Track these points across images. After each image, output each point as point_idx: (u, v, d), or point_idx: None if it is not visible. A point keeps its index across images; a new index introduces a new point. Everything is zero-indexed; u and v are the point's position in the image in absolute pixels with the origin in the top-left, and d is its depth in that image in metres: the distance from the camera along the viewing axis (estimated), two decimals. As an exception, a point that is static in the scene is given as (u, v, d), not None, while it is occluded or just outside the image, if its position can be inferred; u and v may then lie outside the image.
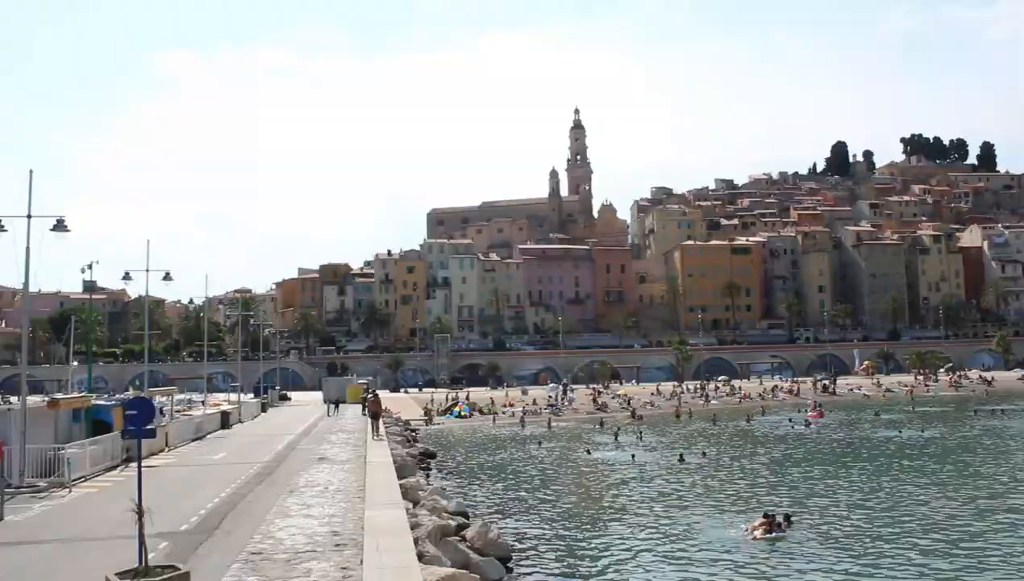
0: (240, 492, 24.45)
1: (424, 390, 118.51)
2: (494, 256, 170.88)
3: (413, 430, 66.22)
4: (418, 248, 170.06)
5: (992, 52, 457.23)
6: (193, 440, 43.27)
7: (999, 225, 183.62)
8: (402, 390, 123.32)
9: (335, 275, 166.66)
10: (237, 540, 17.50)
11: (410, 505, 23.86)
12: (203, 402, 65.21)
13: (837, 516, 29.22)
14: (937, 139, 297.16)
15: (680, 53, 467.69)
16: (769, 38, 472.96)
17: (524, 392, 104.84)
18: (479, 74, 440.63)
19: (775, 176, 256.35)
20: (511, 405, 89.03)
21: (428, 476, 39.71)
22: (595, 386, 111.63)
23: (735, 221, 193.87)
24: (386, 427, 48.83)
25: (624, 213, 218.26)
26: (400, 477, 28.14)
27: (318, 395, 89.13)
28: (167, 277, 46.31)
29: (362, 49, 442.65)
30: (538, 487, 38.86)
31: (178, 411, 51.66)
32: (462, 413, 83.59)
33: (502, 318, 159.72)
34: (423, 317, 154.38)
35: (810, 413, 74.37)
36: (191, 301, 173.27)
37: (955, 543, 24.62)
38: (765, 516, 26.60)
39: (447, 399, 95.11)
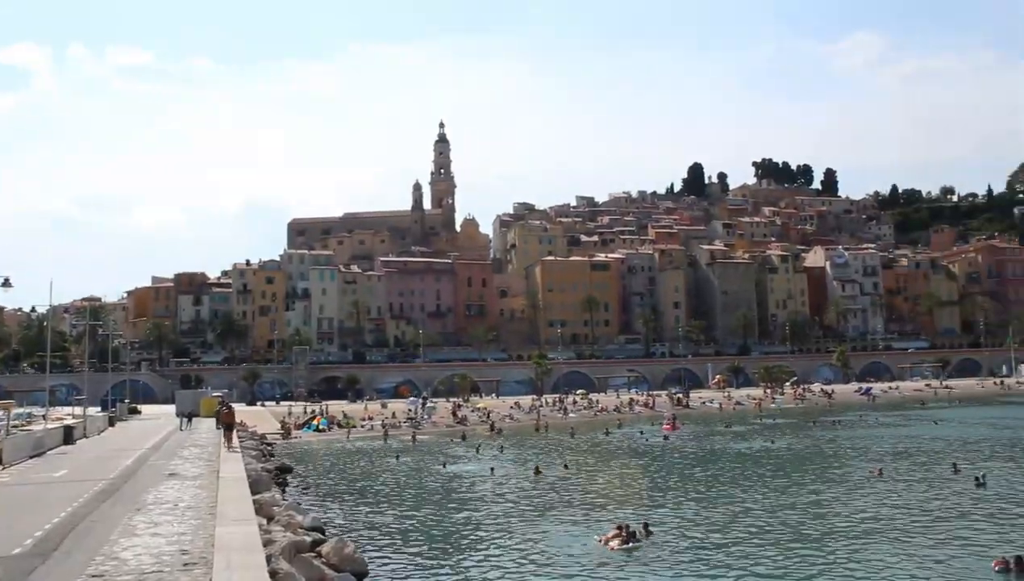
0: (82, 511, 23.26)
1: (282, 403, 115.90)
2: (355, 268, 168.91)
3: (269, 444, 64.74)
4: (278, 258, 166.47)
5: (837, 84, 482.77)
6: (32, 457, 40.91)
7: (840, 247, 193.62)
8: (259, 403, 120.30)
9: (191, 284, 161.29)
10: (76, 563, 16.61)
11: (264, 521, 23.29)
12: (44, 416, 61.85)
13: (692, 525, 30.13)
14: (786, 164, 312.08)
15: (548, 72, 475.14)
16: (634, 61, 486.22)
17: (384, 406, 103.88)
18: (344, 84, 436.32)
19: (635, 195, 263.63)
20: (371, 419, 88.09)
21: (284, 491, 38.84)
22: (455, 400, 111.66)
23: (595, 238, 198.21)
24: (241, 441, 47.56)
25: (487, 228, 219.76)
26: (254, 492, 27.41)
27: (171, 408, 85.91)
28: (6, 283, 43.73)
29: (229, 54, 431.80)
30: (396, 501, 38.65)
31: (16, 426, 48.84)
32: (320, 427, 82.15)
33: (363, 331, 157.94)
34: (282, 329, 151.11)
35: (665, 425, 76.45)
36: (33, 309, 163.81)
37: (804, 548, 25.79)
38: (619, 527, 27.17)
39: (305, 412, 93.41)
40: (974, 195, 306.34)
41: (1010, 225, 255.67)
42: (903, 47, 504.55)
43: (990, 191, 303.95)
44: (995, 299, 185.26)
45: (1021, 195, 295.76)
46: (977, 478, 38.13)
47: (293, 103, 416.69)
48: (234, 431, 41.96)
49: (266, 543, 18.94)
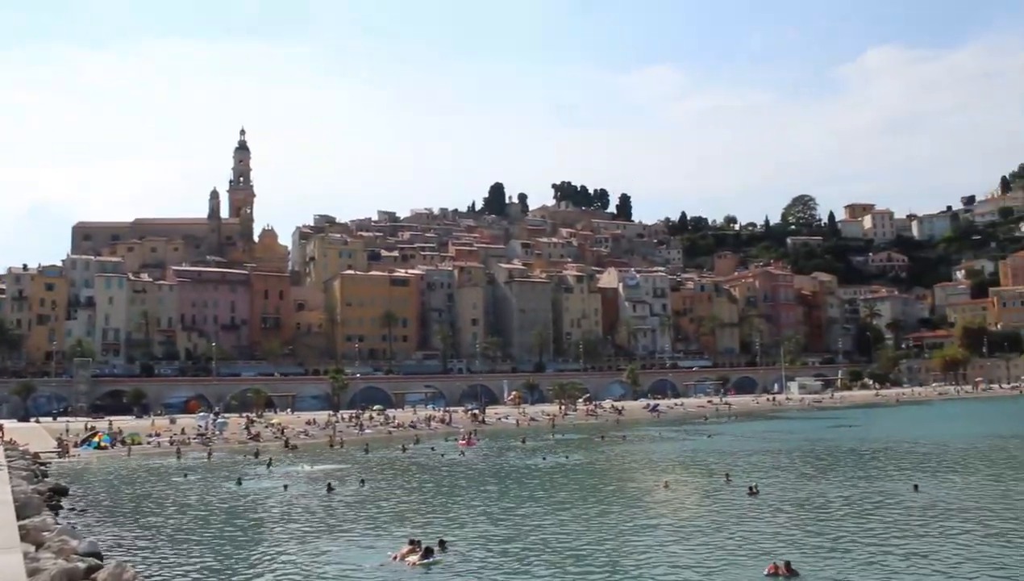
0: None
1: (60, 419, 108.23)
2: (146, 276, 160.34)
3: (43, 464, 60.18)
4: (60, 264, 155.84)
5: (635, 113, 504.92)
6: None
7: (632, 269, 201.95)
8: (34, 419, 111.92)
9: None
10: None
11: (32, 548, 21.56)
12: None
13: (488, 540, 30.30)
14: (584, 188, 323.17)
15: (355, 86, 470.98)
16: (441, 79, 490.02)
17: (172, 421, 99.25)
18: (141, 82, 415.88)
19: (436, 212, 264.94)
20: (158, 435, 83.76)
21: (57, 514, 36.13)
22: (248, 415, 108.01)
23: (396, 253, 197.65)
24: (9, 461, 43.97)
25: (285, 239, 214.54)
26: (22, 517, 25.37)
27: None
28: None
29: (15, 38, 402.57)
30: (182, 521, 36.81)
31: None
32: (102, 444, 77.11)
33: (152, 343, 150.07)
34: (62, 339, 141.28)
35: (460, 441, 76.88)
36: None
37: (594, 559, 26.42)
38: (411, 543, 26.97)
39: (85, 429, 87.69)
40: (753, 225, 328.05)
41: (784, 253, 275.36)
42: (696, 84, 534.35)
43: (767, 222, 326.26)
44: (769, 321, 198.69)
45: (793, 226, 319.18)
46: (751, 487, 40.47)
47: (77, 96, 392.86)
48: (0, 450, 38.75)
49: (32, 572, 17.49)
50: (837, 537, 29.31)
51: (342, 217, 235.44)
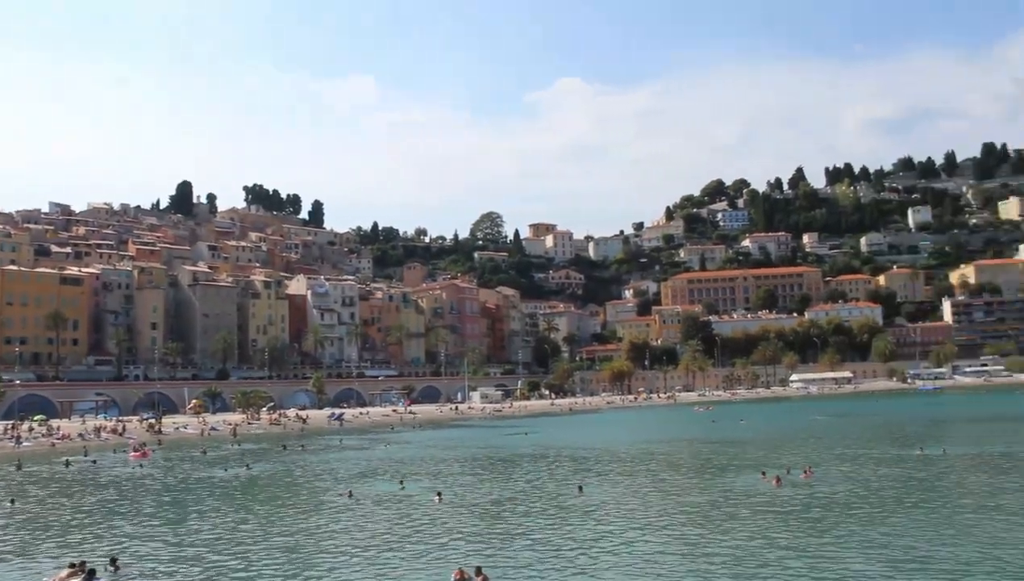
0: None
1: None
2: None
3: None
4: None
5: (328, 120, 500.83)
6: None
7: (322, 277, 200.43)
8: None
9: None
10: None
11: None
12: None
13: (164, 558, 29.13)
14: (276, 192, 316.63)
15: (29, 66, 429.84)
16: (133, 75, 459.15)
17: None
18: None
19: (116, 207, 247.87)
20: None
21: None
22: None
23: (68, 249, 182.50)
24: None
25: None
26: None
27: None
28: None
29: None
30: None
31: None
32: None
33: None
34: None
35: (133, 453, 72.56)
36: None
37: (287, 571, 26.18)
38: (72, 565, 25.38)
39: None
40: (443, 238, 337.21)
41: (471, 267, 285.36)
42: (393, 96, 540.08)
43: (456, 236, 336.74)
44: (455, 332, 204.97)
45: (481, 242, 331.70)
46: (438, 493, 41.92)
47: None
48: None
49: None
50: (518, 539, 31.02)
51: (5, 207, 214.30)
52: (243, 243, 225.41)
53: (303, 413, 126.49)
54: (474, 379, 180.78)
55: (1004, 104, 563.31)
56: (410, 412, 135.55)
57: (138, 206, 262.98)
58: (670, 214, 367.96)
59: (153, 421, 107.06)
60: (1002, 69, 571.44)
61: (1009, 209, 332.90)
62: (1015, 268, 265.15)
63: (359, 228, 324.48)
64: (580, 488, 43.12)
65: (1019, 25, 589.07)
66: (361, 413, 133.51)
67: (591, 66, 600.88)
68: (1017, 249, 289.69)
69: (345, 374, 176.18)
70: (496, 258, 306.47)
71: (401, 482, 47.55)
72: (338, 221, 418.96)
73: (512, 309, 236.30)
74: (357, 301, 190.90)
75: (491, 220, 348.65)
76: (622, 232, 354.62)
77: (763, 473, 44.88)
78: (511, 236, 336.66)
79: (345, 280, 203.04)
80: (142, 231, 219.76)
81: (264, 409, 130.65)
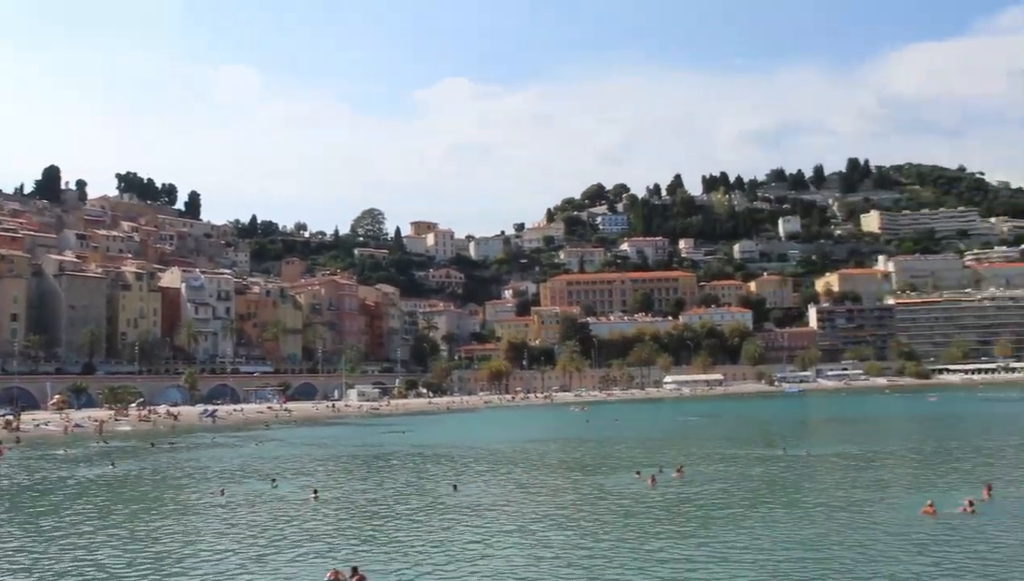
0: None
1: None
2: None
3: None
4: None
5: (207, 109, 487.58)
6: None
7: (197, 269, 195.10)
8: None
9: None
10: None
11: None
12: None
13: (20, 566, 28.18)
14: (151, 180, 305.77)
15: None
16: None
17: None
18: None
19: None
20: None
21: None
22: None
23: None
24: None
25: None
26: None
27: None
28: None
29: None
30: None
31: None
32: None
33: None
34: None
35: (-10, 451, 69.39)
36: None
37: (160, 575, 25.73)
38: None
39: None
40: (323, 233, 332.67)
41: (351, 263, 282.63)
42: (276, 88, 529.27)
43: (337, 231, 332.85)
44: (333, 329, 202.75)
45: (362, 238, 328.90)
46: (315, 491, 41.66)
47: None
48: None
49: None
50: (393, 538, 31.19)
51: None
52: (114, 233, 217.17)
53: (174, 410, 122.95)
54: (352, 377, 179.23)
55: (868, 123, 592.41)
56: (286, 410, 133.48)
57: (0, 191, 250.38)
58: (551, 216, 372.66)
59: (11, 418, 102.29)
60: (868, 89, 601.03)
61: (870, 222, 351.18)
62: (874, 278, 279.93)
63: (237, 221, 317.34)
64: (455, 487, 43.56)
65: (883, 49, 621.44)
66: (235, 410, 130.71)
67: (478, 66, 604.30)
68: (876, 260, 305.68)
69: (219, 370, 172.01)
70: (377, 255, 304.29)
71: (273, 480, 47.16)
72: (215, 213, 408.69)
73: (392, 307, 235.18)
74: (233, 295, 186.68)
75: (372, 217, 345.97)
76: (503, 232, 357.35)
77: (638, 473, 46.11)
78: (392, 233, 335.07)
79: (221, 274, 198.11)
80: (3, 217, 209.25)
81: (133, 405, 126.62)
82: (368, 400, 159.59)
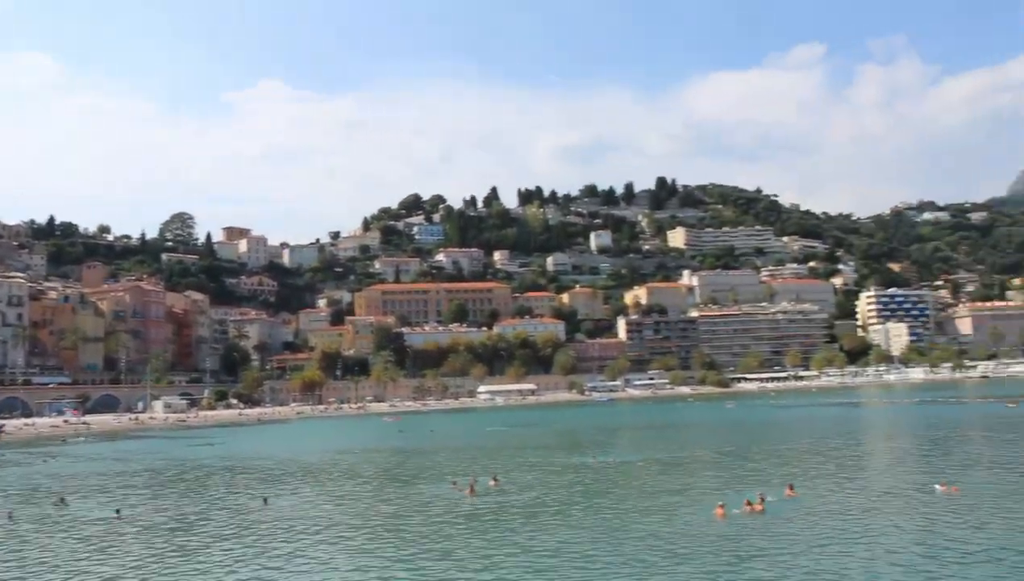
0: None
1: None
2: None
3: None
4: None
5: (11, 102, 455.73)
6: None
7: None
8: None
9: None
10: None
11: None
12: None
13: None
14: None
15: None
16: None
17: None
18: None
19: None
20: None
21: None
22: None
23: None
24: None
25: None
26: None
27: None
28: None
29: None
30: None
31: None
32: None
33: None
34: None
35: None
36: None
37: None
38: None
39: None
40: (128, 237, 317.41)
41: (158, 269, 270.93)
42: (76, 79, 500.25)
43: (143, 235, 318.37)
44: (138, 337, 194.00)
45: (170, 242, 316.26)
46: (117, 510, 40.28)
47: None
48: None
49: None
50: (200, 556, 30.64)
51: None
52: None
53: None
54: (157, 387, 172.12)
55: (675, 144, 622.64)
56: (83, 423, 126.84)
57: None
58: (367, 225, 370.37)
59: None
60: (675, 113, 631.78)
61: (676, 238, 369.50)
62: (679, 291, 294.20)
63: (32, 221, 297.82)
64: (265, 500, 43.17)
65: (690, 75, 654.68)
66: (26, 424, 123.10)
67: (295, 69, 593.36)
68: (681, 274, 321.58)
69: (9, 381, 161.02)
70: (186, 261, 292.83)
71: (62, 499, 45.09)
72: (7, 212, 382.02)
73: (201, 314, 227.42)
74: (27, 301, 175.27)
75: (182, 221, 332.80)
76: (318, 240, 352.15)
77: (454, 482, 47.01)
78: (203, 238, 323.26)
79: (13, 277, 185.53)
80: None
81: None
82: (175, 412, 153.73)
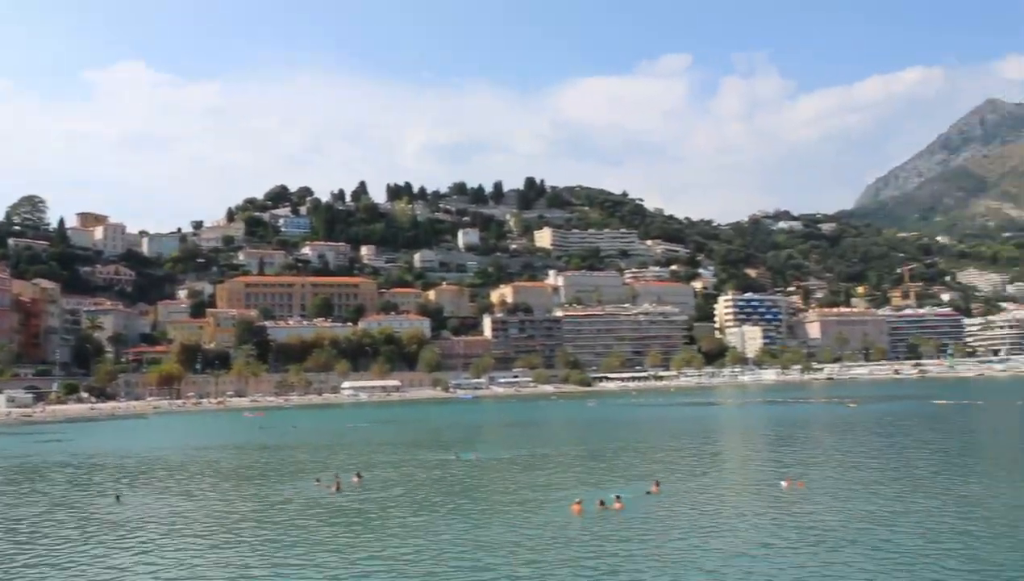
0: None
1: None
2: None
3: None
4: None
5: None
6: None
7: None
8: None
9: None
10: None
11: None
12: None
13: None
14: None
15: None
16: None
17: None
18: None
19: None
20: None
21: None
22: None
23: None
24: None
25: None
26: None
27: None
28: None
29: None
30: None
31: None
32: None
33: None
34: None
35: None
36: None
37: None
38: None
39: None
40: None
41: (4, 255, 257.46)
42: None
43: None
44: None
45: (19, 227, 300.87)
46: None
47: None
48: None
49: None
50: (41, 559, 29.64)
51: None
52: None
53: None
54: (2, 380, 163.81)
55: (544, 144, 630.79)
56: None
57: None
58: (231, 215, 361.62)
59: None
60: (544, 114, 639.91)
61: (543, 238, 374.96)
62: (544, 291, 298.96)
63: None
64: (118, 497, 42.11)
65: (561, 78, 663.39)
66: None
67: (158, 51, 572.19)
68: (547, 274, 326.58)
69: None
70: (35, 247, 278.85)
71: None
72: None
73: (51, 304, 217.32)
74: None
75: (32, 204, 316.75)
76: (180, 230, 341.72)
77: (318, 480, 46.79)
78: (55, 224, 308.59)
79: None
80: None
81: None
82: (19, 406, 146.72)
